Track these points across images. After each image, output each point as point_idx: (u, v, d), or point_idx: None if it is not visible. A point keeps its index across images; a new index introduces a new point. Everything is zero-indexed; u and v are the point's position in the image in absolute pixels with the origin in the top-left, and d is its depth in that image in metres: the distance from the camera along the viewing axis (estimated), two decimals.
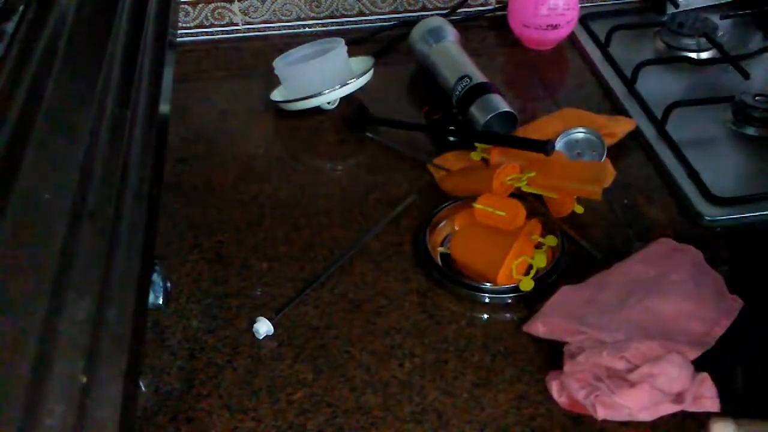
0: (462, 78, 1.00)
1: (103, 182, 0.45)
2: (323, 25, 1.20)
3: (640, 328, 0.69)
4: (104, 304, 0.40)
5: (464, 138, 0.96)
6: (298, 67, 1.03)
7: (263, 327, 0.75)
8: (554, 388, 0.67)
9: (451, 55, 1.05)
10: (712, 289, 0.74)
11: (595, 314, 0.71)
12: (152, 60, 0.58)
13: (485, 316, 0.77)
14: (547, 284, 0.77)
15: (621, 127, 0.95)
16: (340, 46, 1.02)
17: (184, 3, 1.15)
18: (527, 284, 0.76)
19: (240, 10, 1.17)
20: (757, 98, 0.97)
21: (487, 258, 0.78)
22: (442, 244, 0.84)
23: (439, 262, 0.81)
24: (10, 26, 0.46)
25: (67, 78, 0.47)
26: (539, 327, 0.72)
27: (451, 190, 0.89)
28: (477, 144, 0.94)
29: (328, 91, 0.98)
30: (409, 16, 1.20)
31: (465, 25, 1.18)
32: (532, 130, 0.94)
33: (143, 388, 0.70)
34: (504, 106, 0.95)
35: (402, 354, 0.73)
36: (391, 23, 1.20)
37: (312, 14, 1.19)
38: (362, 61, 1.07)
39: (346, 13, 1.20)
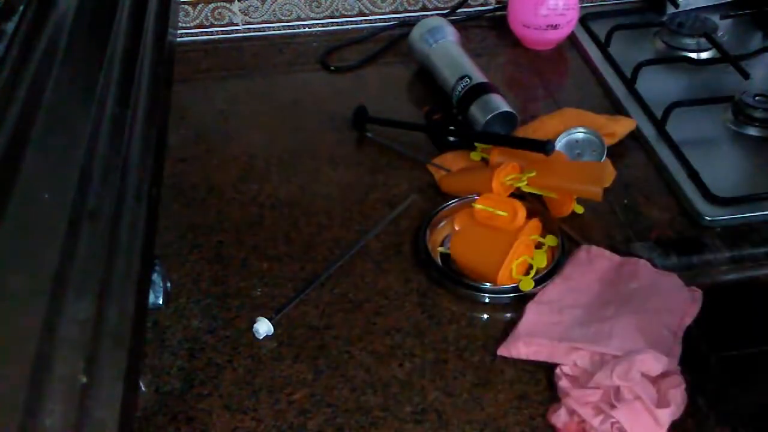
0: (462, 78, 1.00)
1: (103, 182, 0.45)
2: (323, 25, 1.20)
3: (628, 334, 0.69)
4: (104, 304, 0.40)
5: (464, 138, 0.96)
6: None
7: (263, 327, 0.75)
8: (561, 420, 0.65)
9: (451, 55, 1.05)
10: (669, 283, 0.75)
11: (577, 329, 0.71)
12: (152, 60, 0.58)
13: (485, 316, 0.77)
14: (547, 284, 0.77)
15: (621, 127, 0.95)
16: None
17: (184, 3, 1.15)
18: (527, 284, 0.76)
19: (240, 10, 1.17)
20: (757, 98, 0.97)
21: (487, 258, 0.78)
22: (442, 244, 0.84)
23: (439, 262, 0.81)
24: (10, 26, 0.46)
25: (67, 78, 0.47)
26: (521, 349, 0.70)
27: (451, 190, 0.89)
28: (477, 144, 0.94)
29: None
30: (409, 16, 1.20)
31: (465, 25, 1.18)
32: (532, 130, 0.94)
33: (143, 388, 0.70)
34: (504, 106, 0.95)
35: (402, 354, 0.73)
36: (391, 23, 1.20)
37: (312, 14, 1.19)
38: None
39: (346, 13, 1.20)
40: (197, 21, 1.18)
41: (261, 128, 1.02)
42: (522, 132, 0.95)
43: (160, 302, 0.60)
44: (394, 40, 1.17)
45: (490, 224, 0.80)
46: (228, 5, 1.17)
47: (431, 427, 0.67)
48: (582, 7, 1.15)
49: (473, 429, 0.67)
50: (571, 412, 0.65)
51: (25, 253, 0.38)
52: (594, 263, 0.78)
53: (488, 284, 0.77)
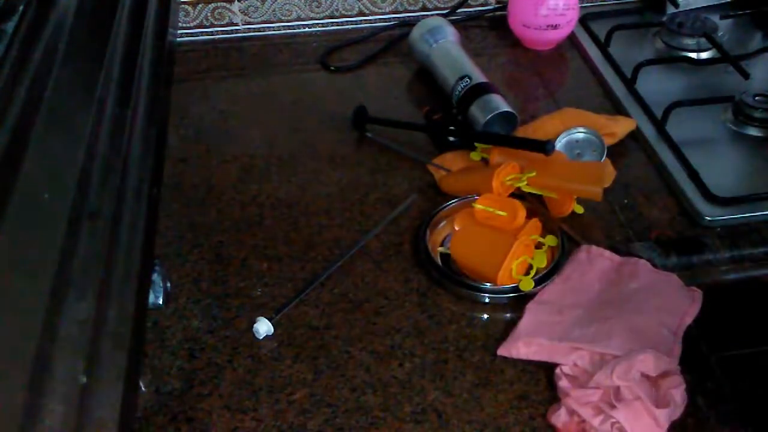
0: (462, 78, 1.00)
1: (103, 182, 0.45)
2: (323, 25, 1.20)
3: (628, 334, 0.69)
4: (104, 304, 0.40)
5: (464, 138, 0.96)
6: None
7: (263, 327, 0.75)
8: (561, 420, 0.65)
9: (451, 55, 1.05)
10: (669, 283, 0.75)
11: (577, 329, 0.71)
12: (152, 60, 0.58)
13: (485, 316, 0.77)
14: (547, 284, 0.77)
15: (621, 127, 0.95)
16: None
17: (184, 3, 1.15)
18: (527, 284, 0.76)
19: (240, 10, 1.17)
20: (757, 98, 0.97)
21: (487, 258, 0.78)
22: (442, 244, 0.84)
23: (439, 262, 0.81)
24: (10, 26, 0.46)
25: (67, 78, 0.47)
26: (521, 349, 0.70)
27: (451, 190, 0.89)
28: (477, 144, 0.94)
29: None
30: (409, 16, 1.20)
31: (465, 25, 1.18)
32: (532, 130, 0.94)
33: (143, 388, 0.70)
34: (504, 106, 0.95)
35: (402, 354, 0.73)
36: (391, 23, 1.20)
37: (312, 14, 1.19)
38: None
39: (346, 13, 1.20)
40: (197, 21, 1.18)
41: (261, 128, 1.02)
42: (522, 132, 0.95)
43: (160, 302, 0.60)
44: (394, 40, 1.17)
45: (490, 224, 0.80)
46: (228, 5, 1.17)
47: (431, 427, 0.67)
48: (582, 7, 1.15)
49: (473, 429, 0.67)
50: (571, 412, 0.65)
51: (25, 253, 0.38)
52: (594, 263, 0.78)
53: (488, 284, 0.77)
